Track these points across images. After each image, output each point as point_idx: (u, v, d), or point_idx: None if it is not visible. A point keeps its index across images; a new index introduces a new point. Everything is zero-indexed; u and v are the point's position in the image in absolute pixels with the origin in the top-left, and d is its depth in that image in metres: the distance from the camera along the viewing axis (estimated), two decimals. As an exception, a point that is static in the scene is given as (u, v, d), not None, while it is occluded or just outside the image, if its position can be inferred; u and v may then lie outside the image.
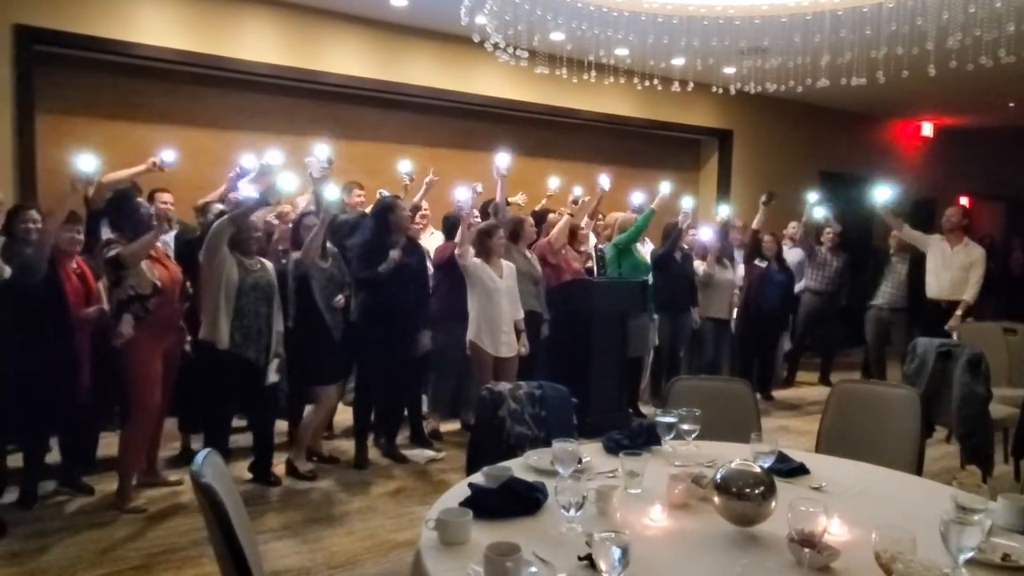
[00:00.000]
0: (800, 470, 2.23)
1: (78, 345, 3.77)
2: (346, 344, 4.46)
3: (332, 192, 4.43)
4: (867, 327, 6.71)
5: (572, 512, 1.73)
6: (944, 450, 4.91)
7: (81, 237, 3.90)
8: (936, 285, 5.84)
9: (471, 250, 4.56)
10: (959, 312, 5.61)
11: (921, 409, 2.75)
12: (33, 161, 5.06)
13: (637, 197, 6.22)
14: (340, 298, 4.35)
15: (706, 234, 6.15)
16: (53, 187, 4.98)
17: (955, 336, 5.25)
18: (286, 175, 4.03)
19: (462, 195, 4.72)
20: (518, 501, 1.87)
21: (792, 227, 7.39)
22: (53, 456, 4.14)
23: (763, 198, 6.42)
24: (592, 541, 1.49)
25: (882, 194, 5.98)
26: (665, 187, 5.87)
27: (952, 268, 5.76)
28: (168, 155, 4.80)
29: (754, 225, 6.51)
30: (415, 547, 1.72)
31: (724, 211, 6.72)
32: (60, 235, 3.70)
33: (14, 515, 3.63)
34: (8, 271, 3.48)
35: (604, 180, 5.80)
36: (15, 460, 3.94)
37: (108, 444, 4.27)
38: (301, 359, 4.21)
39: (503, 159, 5.06)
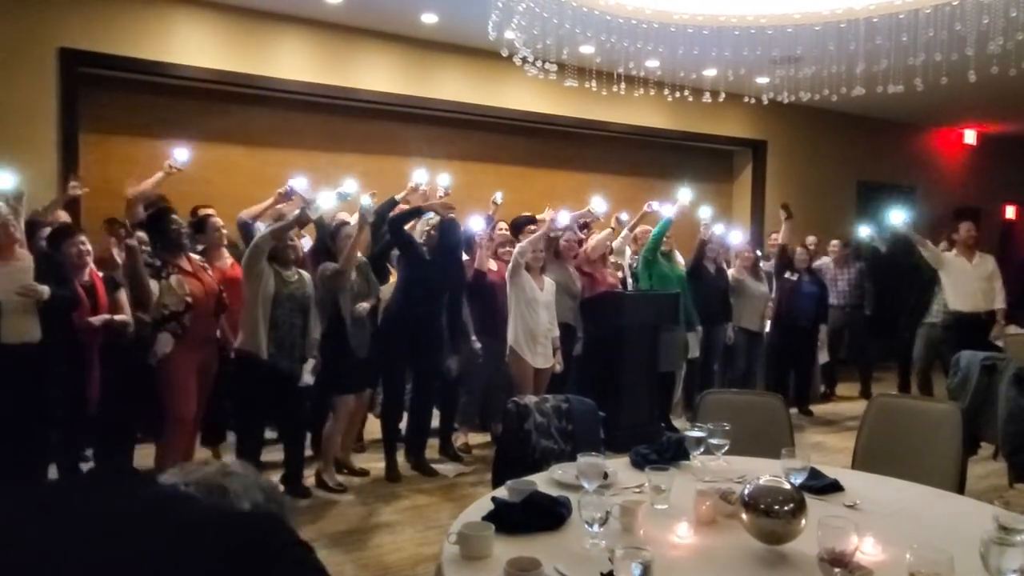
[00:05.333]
0: (834, 487, 2.16)
1: (86, 358, 3.87)
2: (371, 355, 4.47)
3: (365, 198, 4.44)
4: (917, 343, 6.47)
5: (595, 527, 1.70)
6: (991, 467, 4.73)
7: (89, 248, 4.01)
8: (970, 299, 5.82)
9: (526, 255, 4.69)
10: (1000, 320, 5.59)
11: (964, 424, 2.66)
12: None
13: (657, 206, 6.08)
14: (364, 305, 4.35)
15: (735, 237, 6.14)
16: (97, 205, 5.12)
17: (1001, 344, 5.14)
18: (326, 193, 4.08)
19: (476, 225, 4.95)
20: (541, 515, 1.85)
21: (834, 244, 7.23)
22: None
23: (781, 213, 6.38)
24: (614, 557, 1.46)
25: (896, 216, 6.04)
26: (684, 195, 5.68)
27: (979, 280, 5.80)
28: (181, 154, 4.84)
29: (780, 240, 6.44)
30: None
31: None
32: (67, 250, 3.84)
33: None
34: (47, 291, 3.56)
35: (655, 204, 5.78)
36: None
37: (144, 455, 4.35)
38: (321, 367, 4.20)
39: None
